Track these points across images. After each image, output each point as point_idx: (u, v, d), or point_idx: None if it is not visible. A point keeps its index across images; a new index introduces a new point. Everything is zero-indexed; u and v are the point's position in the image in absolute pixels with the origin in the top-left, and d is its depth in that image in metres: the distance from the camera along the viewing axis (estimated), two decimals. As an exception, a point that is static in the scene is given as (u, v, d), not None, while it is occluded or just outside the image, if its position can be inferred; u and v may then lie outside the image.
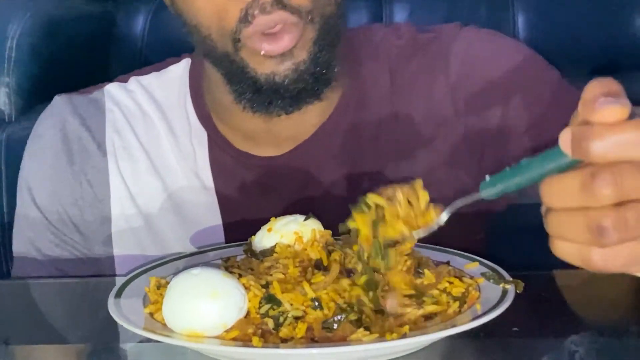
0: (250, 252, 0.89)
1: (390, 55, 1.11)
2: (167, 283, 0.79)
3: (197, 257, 0.95)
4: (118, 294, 0.82)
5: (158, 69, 1.17)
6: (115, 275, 1.04)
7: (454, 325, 0.73)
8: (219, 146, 1.10)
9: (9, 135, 1.66)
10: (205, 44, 0.99)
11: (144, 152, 1.11)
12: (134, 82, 1.16)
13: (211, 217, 1.08)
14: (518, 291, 0.79)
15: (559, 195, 0.59)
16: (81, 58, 1.92)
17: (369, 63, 1.10)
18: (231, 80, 1.01)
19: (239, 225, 0.92)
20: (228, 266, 0.86)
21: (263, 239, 0.88)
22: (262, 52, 0.95)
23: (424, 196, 0.77)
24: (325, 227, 0.88)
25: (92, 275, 1.09)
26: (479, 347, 0.78)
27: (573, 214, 0.59)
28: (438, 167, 1.07)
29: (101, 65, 2.01)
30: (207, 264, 0.87)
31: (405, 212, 0.76)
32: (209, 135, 1.10)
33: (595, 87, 0.58)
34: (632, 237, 0.58)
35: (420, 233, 0.76)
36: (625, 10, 2.05)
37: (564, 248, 0.61)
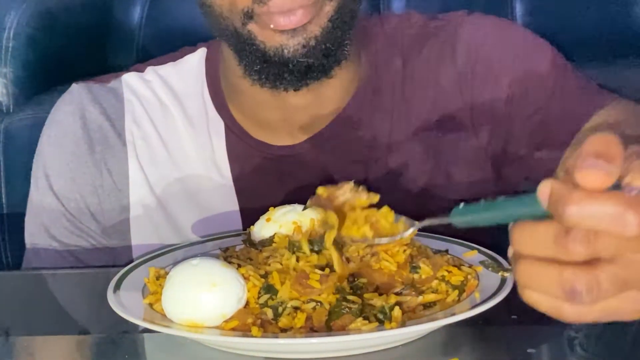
0: (249, 242, 0.89)
1: (402, 44, 1.12)
2: (167, 274, 0.79)
3: (196, 248, 0.95)
4: (117, 285, 0.82)
5: (174, 59, 1.18)
6: (114, 266, 1.04)
7: (453, 314, 0.73)
8: (235, 135, 1.10)
9: (6, 126, 1.65)
10: (218, 23, 1.00)
11: (161, 142, 1.11)
12: (151, 72, 1.16)
13: (228, 205, 1.09)
14: (517, 279, 0.79)
15: (531, 243, 0.57)
16: (79, 48, 1.91)
17: (382, 52, 1.11)
18: (240, 54, 1.01)
19: (256, 212, 0.92)
20: (227, 256, 0.86)
21: (262, 229, 0.88)
22: (272, 26, 0.95)
23: (388, 216, 0.79)
24: None
25: (95, 265, 1.09)
26: (478, 335, 0.78)
27: (544, 266, 0.57)
28: (447, 152, 1.08)
29: (98, 55, 2.01)
30: (206, 254, 0.87)
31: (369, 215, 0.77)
32: (225, 125, 1.11)
33: (594, 144, 0.54)
34: (604, 298, 0.56)
35: (383, 240, 0.77)
36: (624, -1, 2.05)
37: (534, 297, 0.59)
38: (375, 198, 0.82)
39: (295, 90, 1.01)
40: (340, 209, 0.79)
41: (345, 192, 0.79)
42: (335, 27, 0.97)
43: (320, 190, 0.80)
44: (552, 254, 0.56)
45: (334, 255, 0.79)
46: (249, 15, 0.95)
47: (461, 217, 0.64)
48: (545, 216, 0.57)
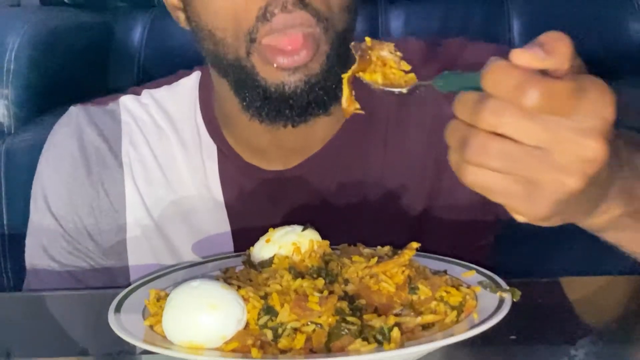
0: (249, 263, 0.90)
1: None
2: (167, 295, 0.79)
3: (195, 269, 0.95)
4: (118, 307, 0.83)
5: (170, 82, 1.18)
6: (114, 287, 1.05)
7: (451, 335, 0.73)
8: (228, 159, 1.11)
9: (8, 147, 1.66)
10: (217, 51, 1.00)
11: (157, 164, 1.12)
12: (147, 95, 1.17)
13: (220, 227, 1.10)
14: (515, 299, 0.80)
15: (460, 106, 0.65)
16: (80, 69, 1.93)
17: None
18: (240, 88, 1.02)
19: (248, 234, 0.93)
20: (227, 277, 0.86)
21: (261, 250, 0.89)
22: (275, 65, 0.95)
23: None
24: (332, 239, 0.90)
25: (94, 287, 1.10)
26: (477, 355, 0.79)
27: (458, 124, 0.65)
28: (443, 176, 1.08)
29: (100, 76, 2.02)
30: (206, 276, 0.87)
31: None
32: (218, 148, 1.11)
33: (546, 36, 0.62)
34: (490, 166, 0.63)
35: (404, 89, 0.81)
36: (620, 16, 2.06)
37: (450, 153, 0.67)
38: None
39: (293, 126, 1.01)
40: (374, 61, 0.80)
41: (385, 49, 0.80)
42: (334, 64, 0.98)
43: (367, 39, 0.80)
44: (469, 118, 0.64)
45: (345, 92, 0.80)
46: (252, 40, 0.96)
47: (443, 81, 0.72)
48: None
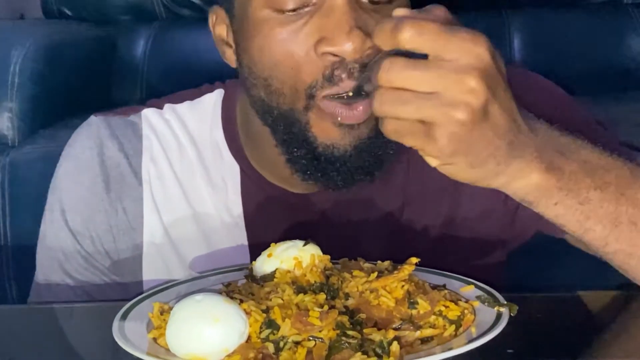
0: (251, 277, 0.91)
1: None
2: (170, 308, 0.80)
3: (198, 282, 0.97)
4: (122, 319, 0.84)
5: (192, 98, 1.15)
6: (116, 300, 1.05)
7: (450, 348, 0.75)
8: (250, 179, 1.09)
9: (12, 160, 1.67)
10: (269, 100, 0.97)
11: (177, 182, 1.11)
12: (169, 110, 1.14)
13: (239, 248, 1.09)
14: (512, 314, 0.81)
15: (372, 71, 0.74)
16: (83, 82, 1.94)
17: None
18: (287, 142, 0.99)
19: None
20: (229, 291, 0.87)
21: (263, 265, 0.90)
22: (339, 119, 0.93)
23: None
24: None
25: (97, 300, 1.11)
26: (475, 369, 0.79)
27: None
28: (465, 205, 1.08)
29: (103, 89, 2.04)
30: (209, 290, 0.89)
31: None
32: (241, 168, 1.10)
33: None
34: (391, 114, 0.74)
35: None
36: (620, 32, 2.08)
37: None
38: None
39: (337, 190, 0.99)
40: None
41: None
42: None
43: None
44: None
45: None
46: (312, 97, 0.93)
47: None
48: None
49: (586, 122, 1.07)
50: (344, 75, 0.91)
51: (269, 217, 1.09)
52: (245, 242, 1.09)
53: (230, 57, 1.04)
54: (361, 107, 0.92)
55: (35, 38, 1.86)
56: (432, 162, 0.77)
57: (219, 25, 1.05)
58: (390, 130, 0.76)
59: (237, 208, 1.10)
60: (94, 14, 2.20)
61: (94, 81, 2.02)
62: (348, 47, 0.90)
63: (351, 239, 1.07)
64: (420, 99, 0.72)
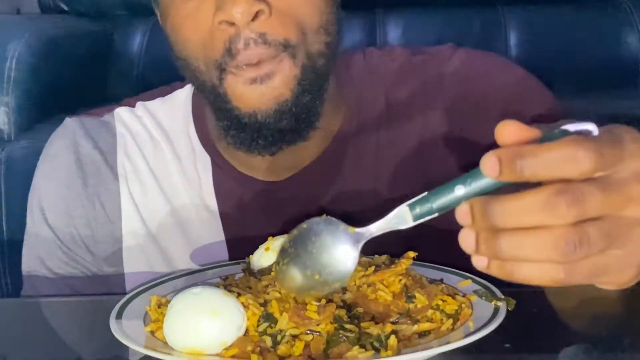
0: (249, 271, 0.91)
1: (385, 78, 1.12)
2: (168, 302, 0.80)
3: (195, 276, 0.97)
4: (119, 313, 0.84)
5: (163, 94, 1.19)
6: (116, 293, 1.06)
7: (447, 342, 0.74)
8: (222, 170, 1.12)
9: (8, 154, 1.67)
10: (195, 78, 1.00)
11: (152, 176, 1.13)
12: (141, 107, 1.18)
13: (215, 237, 1.11)
14: (509, 308, 0.81)
15: (517, 214, 0.60)
16: (80, 77, 1.94)
17: (364, 88, 1.12)
18: (218, 115, 1.03)
19: (242, 244, 0.94)
20: (227, 285, 0.87)
21: (261, 259, 0.90)
22: (245, 76, 0.95)
23: None
24: None
25: (92, 294, 1.11)
26: (472, 363, 0.80)
27: (534, 232, 0.60)
28: (435, 185, 1.08)
29: (99, 84, 2.03)
30: (207, 283, 0.89)
31: None
32: (212, 160, 1.12)
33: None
34: (594, 252, 0.61)
35: None
36: (615, 28, 2.08)
37: (524, 270, 0.62)
38: None
39: (270, 155, 1.02)
40: None
41: None
42: (305, 91, 0.98)
43: None
44: (542, 220, 0.60)
45: None
46: (222, 69, 0.96)
47: (417, 210, 0.68)
48: (493, 189, 0.62)
49: (545, 99, 1.09)
50: (239, 47, 0.93)
51: (242, 207, 1.11)
52: (222, 233, 1.11)
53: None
54: (265, 65, 0.94)
55: (31, 33, 1.85)
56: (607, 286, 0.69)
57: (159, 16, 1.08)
58: (590, 272, 0.62)
59: (212, 199, 1.12)
60: (91, 8, 2.20)
61: (90, 76, 2.02)
62: (237, 12, 0.91)
63: None
64: (616, 225, 0.62)
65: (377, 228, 0.73)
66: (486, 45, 2.00)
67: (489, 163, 0.61)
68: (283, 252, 0.80)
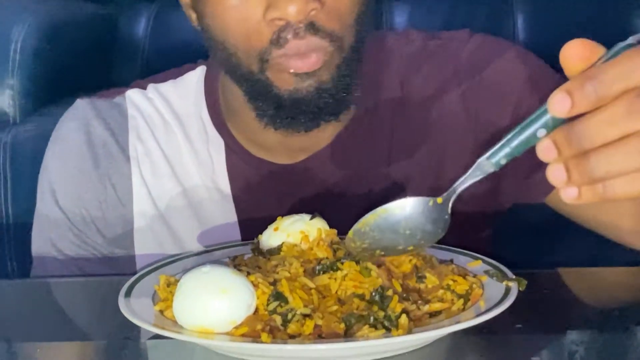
0: (258, 250, 0.90)
1: (400, 62, 1.13)
2: (177, 281, 0.80)
3: (204, 256, 0.96)
4: (128, 292, 0.83)
5: (175, 77, 1.18)
6: (124, 274, 1.05)
7: (458, 322, 0.74)
8: (235, 153, 1.11)
9: (13, 137, 1.66)
10: (229, 62, 1.00)
11: (164, 158, 1.13)
12: (152, 89, 1.17)
13: (227, 219, 1.10)
14: (521, 289, 0.81)
15: (602, 128, 0.60)
16: (84, 60, 1.93)
17: (380, 71, 1.12)
18: (253, 98, 1.02)
19: (255, 226, 0.94)
20: (236, 264, 0.87)
21: (270, 238, 0.89)
22: (291, 70, 0.95)
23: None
24: (338, 231, 0.90)
25: (100, 275, 1.11)
26: (483, 343, 0.79)
27: (623, 142, 0.60)
28: (450, 172, 1.08)
29: (104, 68, 2.02)
30: (216, 262, 0.88)
31: None
32: (225, 143, 1.12)
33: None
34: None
35: None
36: (625, 11, 2.06)
37: (619, 185, 0.61)
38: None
39: (306, 131, 1.01)
40: None
41: None
42: (345, 74, 0.98)
43: None
44: (626, 128, 0.60)
45: None
46: (264, 60, 0.96)
47: (495, 158, 0.69)
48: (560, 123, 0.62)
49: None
50: (289, 37, 0.93)
51: (255, 190, 1.11)
52: (234, 215, 1.11)
53: (195, 20, 1.05)
54: (314, 56, 0.95)
55: (36, 16, 1.84)
56: None
57: None
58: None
59: (224, 182, 1.11)
60: (95, -8, 2.19)
61: (95, 60, 2.00)
62: (292, 9, 0.91)
63: (337, 207, 1.06)
64: None
65: (461, 184, 0.76)
66: (493, 30, 1.98)
67: (557, 98, 0.61)
68: (360, 234, 0.81)
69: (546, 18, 2.05)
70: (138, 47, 2.06)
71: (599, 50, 0.62)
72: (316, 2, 0.92)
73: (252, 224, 1.04)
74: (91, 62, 1.97)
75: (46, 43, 1.82)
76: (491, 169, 0.70)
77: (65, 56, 1.87)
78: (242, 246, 0.98)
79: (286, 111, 0.99)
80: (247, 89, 1.02)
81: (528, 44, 2.00)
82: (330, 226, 0.91)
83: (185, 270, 0.80)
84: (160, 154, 1.13)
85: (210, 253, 0.98)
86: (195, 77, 1.17)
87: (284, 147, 1.09)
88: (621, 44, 0.62)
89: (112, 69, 2.05)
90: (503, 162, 0.69)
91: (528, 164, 1.05)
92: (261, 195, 1.10)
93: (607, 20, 2.03)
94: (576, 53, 0.62)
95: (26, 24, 1.80)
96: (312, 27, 0.94)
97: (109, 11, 2.12)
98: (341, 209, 1.06)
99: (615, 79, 0.59)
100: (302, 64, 0.95)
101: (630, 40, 0.62)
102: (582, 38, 0.62)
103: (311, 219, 0.89)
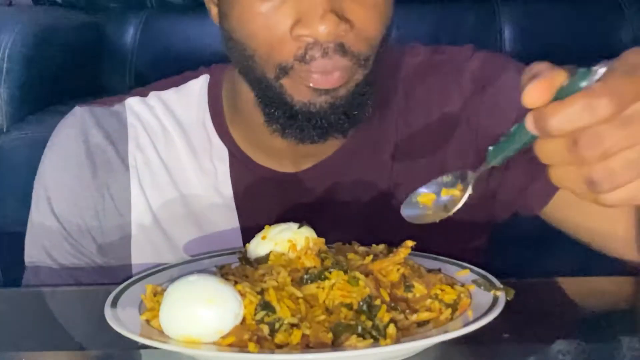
0: (245, 259, 0.90)
1: (405, 74, 1.13)
2: (163, 290, 0.80)
3: (191, 265, 0.96)
4: (114, 302, 0.83)
5: (177, 84, 1.17)
6: (107, 284, 1.05)
7: (446, 332, 0.74)
8: (239, 161, 1.10)
9: (1, 145, 1.66)
10: (246, 63, 0.99)
11: (164, 168, 1.11)
12: (153, 97, 1.15)
13: (231, 229, 1.09)
14: (508, 298, 0.81)
15: (551, 155, 0.65)
16: (72, 69, 1.93)
17: (384, 82, 1.11)
18: (265, 103, 1.01)
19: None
20: (223, 273, 0.86)
21: (257, 247, 0.89)
22: (311, 85, 0.94)
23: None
24: (341, 240, 0.91)
25: (88, 284, 1.10)
26: (471, 353, 0.79)
27: (567, 170, 0.65)
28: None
29: (92, 76, 2.03)
30: (203, 272, 0.88)
31: None
32: (229, 151, 1.11)
33: (525, 75, 0.65)
34: (623, 183, 0.63)
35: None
36: (609, 20, 2.08)
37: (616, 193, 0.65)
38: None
39: (312, 143, 1.01)
40: None
41: None
42: (362, 92, 0.98)
43: None
44: (571, 161, 0.64)
45: None
46: (284, 71, 0.95)
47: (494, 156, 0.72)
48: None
49: None
50: (317, 55, 0.93)
51: (259, 198, 1.10)
52: (237, 224, 1.10)
53: (215, 15, 1.04)
54: (337, 74, 0.94)
55: (24, 24, 1.84)
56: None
57: None
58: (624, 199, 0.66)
59: (228, 191, 1.10)
60: (83, 0, 2.19)
61: (82, 68, 2.01)
62: (322, 30, 0.91)
63: (339, 216, 1.08)
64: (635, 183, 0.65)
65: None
66: (481, 41, 2.00)
67: (528, 123, 0.65)
68: None
69: (532, 28, 2.06)
70: (126, 55, 2.06)
71: (559, 79, 0.63)
72: (347, 24, 0.92)
73: (254, 233, 1.03)
74: (79, 70, 1.98)
75: (33, 51, 1.82)
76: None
77: (52, 65, 1.87)
78: (229, 255, 0.98)
79: (297, 122, 0.98)
80: (258, 92, 1.01)
81: (514, 53, 2.01)
82: (331, 235, 0.91)
83: (172, 280, 0.80)
84: (160, 163, 1.12)
85: (197, 262, 0.98)
86: (198, 85, 1.16)
87: (289, 154, 1.08)
88: (581, 70, 0.63)
89: (100, 77, 2.05)
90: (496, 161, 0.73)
91: (524, 176, 1.06)
92: (265, 203, 1.09)
93: (592, 31, 2.04)
94: (536, 98, 0.64)
95: (14, 32, 1.80)
96: (341, 49, 0.93)
97: (97, 19, 2.13)
98: (344, 217, 1.06)
99: (567, 121, 0.62)
100: (324, 81, 0.94)
101: (594, 67, 0.63)
102: (540, 76, 0.63)
103: (299, 227, 0.89)
